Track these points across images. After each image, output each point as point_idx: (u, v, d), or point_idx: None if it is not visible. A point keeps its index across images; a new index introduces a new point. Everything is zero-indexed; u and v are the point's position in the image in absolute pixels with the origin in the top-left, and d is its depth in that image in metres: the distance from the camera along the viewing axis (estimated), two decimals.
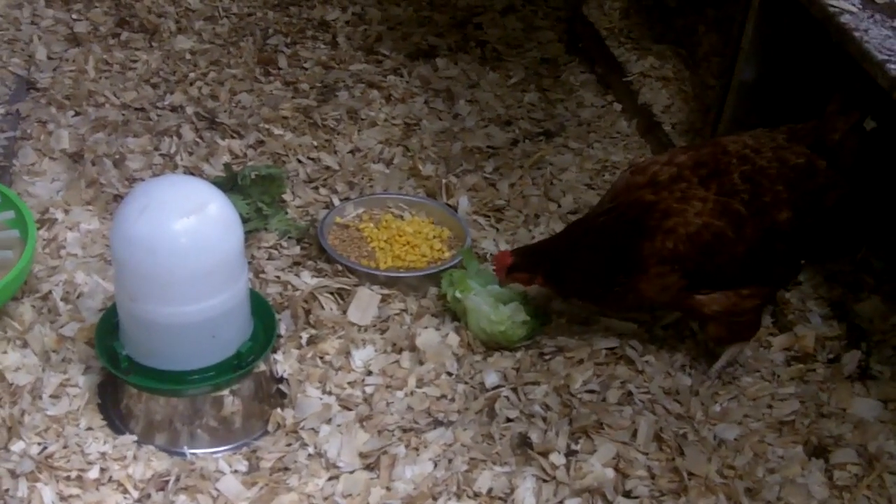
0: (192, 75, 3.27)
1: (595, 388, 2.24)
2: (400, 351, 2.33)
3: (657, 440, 2.13)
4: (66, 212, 2.64)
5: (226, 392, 2.09)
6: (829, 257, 2.56)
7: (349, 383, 2.24)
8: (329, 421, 2.14)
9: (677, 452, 2.10)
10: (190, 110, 3.09)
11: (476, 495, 2.01)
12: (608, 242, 2.17)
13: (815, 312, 2.47)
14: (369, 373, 2.27)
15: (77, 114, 3.03)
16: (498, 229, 2.75)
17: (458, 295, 2.36)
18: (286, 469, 2.05)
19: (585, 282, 2.22)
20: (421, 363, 2.30)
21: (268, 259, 2.56)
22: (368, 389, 2.23)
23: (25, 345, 2.25)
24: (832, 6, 2.18)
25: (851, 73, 2.12)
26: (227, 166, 2.76)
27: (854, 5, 2.19)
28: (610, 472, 2.05)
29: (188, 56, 3.37)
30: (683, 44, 3.41)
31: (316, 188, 2.84)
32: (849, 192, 2.13)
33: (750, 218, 2.09)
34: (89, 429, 2.09)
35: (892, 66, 1.95)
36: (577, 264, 2.20)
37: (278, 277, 2.49)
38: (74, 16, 3.52)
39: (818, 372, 2.34)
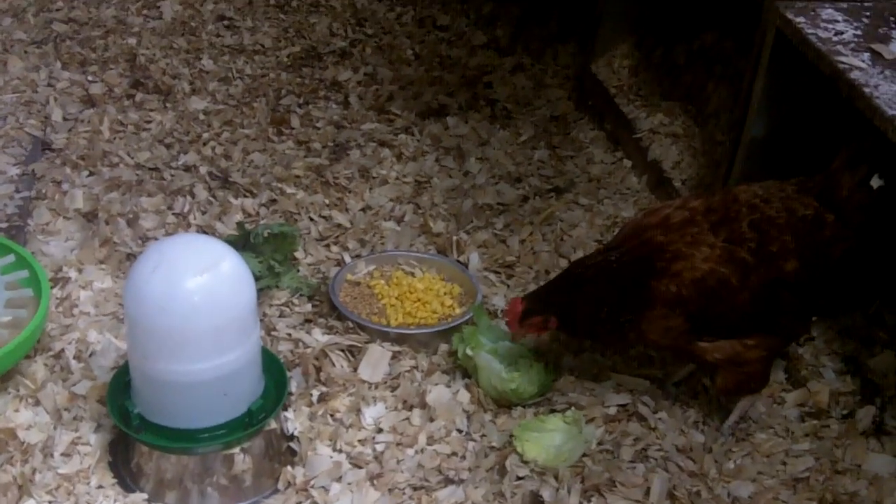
0: (205, 135, 3.31)
1: (607, 445, 2.23)
2: (410, 408, 2.32)
3: (671, 498, 2.10)
4: (80, 270, 2.66)
5: (237, 450, 2.08)
6: (840, 311, 2.55)
7: (360, 441, 2.23)
8: (340, 479, 2.13)
9: None
10: (203, 170, 3.12)
11: None
12: (617, 280, 2.15)
13: (828, 367, 2.45)
14: (380, 430, 2.26)
15: (91, 174, 3.08)
16: (508, 286, 2.75)
17: (469, 352, 2.35)
18: None
19: (594, 320, 2.18)
20: (431, 420, 2.29)
21: (279, 316, 2.57)
22: (379, 447, 2.22)
23: (38, 403, 2.25)
24: (842, 63, 2.20)
25: (860, 128, 2.13)
26: (239, 225, 2.78)
27: (864, 61, 2.20)
28: None
29: (202, 116, 3.42)
30: (692, 100, 3.43)
31: (327, 246, 2.86)
32: (856, 246, 2.13)
33: (756, 266, 2.09)
34: (100, 487, 2.09)
35: None
36: (586, 301, 2.17)
37: (290, 335, 2.50)
38: (90, 77, 3.59)
39: (832, 428, 2.31)
